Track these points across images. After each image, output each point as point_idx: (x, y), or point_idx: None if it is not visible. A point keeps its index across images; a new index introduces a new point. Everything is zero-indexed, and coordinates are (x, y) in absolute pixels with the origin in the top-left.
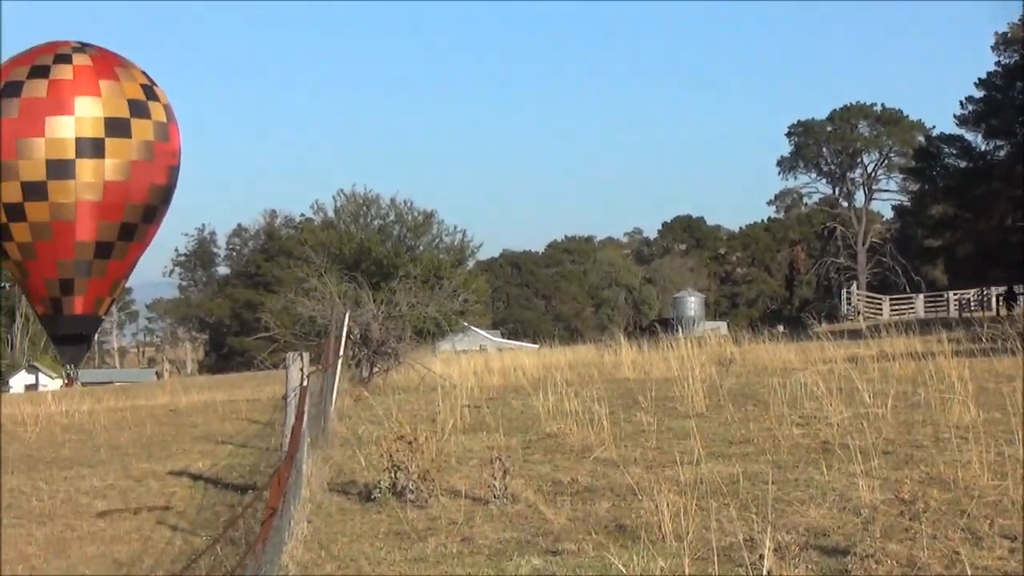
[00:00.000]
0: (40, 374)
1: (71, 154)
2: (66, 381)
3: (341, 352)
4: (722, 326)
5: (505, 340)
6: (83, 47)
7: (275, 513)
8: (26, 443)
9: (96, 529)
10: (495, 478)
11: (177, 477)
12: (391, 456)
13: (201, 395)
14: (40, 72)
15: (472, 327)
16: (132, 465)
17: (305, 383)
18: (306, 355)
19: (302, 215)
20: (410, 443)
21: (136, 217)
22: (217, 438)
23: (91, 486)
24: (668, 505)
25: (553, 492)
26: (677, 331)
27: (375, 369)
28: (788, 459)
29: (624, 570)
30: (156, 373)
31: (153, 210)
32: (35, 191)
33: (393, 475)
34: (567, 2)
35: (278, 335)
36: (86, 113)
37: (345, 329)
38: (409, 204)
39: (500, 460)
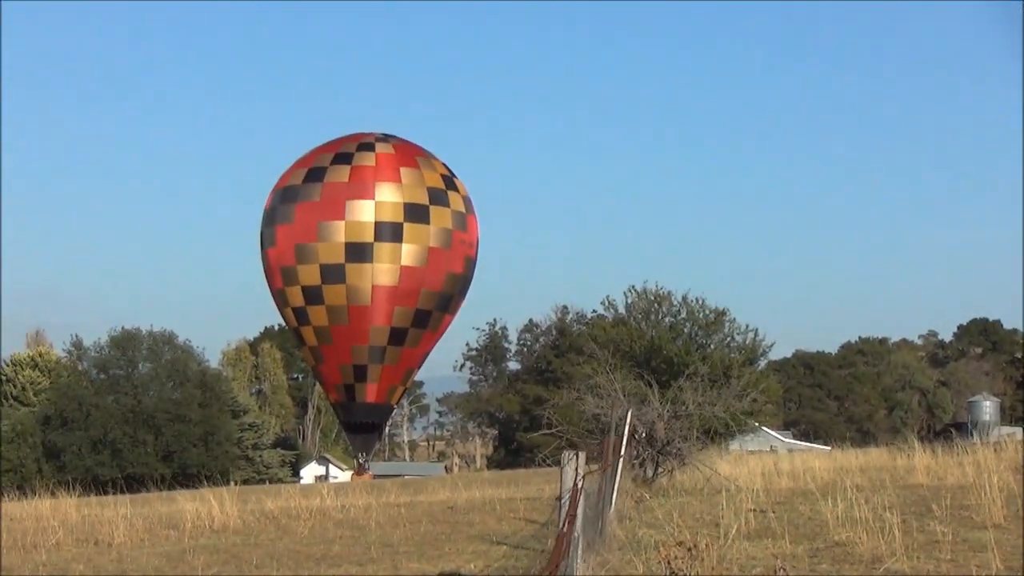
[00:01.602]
0: (330, 465)
1: (370, 237)
2: (356, 471)
3: (623, 451)
4: (1018, 432)
5: (796, 441)
6: (386, 138)
7: None
8: (297, 538)
9: None
10: None
11: None
12: (669, 563)
13: (482, 491)
14: (343, 159)
15: (763, 427)
16: (402, 564)
17: (580, 483)
18: (582, 454)
19: (593, 311)
20: (690, 549)
21: (431, 304)
22: (492, 538)
23: None
24: None
25: None
26: (972, 436)
27: (659, 469)
28: None
29: None
30: (445, 467)
31: (448, 299)
32: (333, 274)
33: None
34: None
35: (560, 432)
36: (386, 198)
37: (628, 427)
38: (701, 302)
39: (784, 570)
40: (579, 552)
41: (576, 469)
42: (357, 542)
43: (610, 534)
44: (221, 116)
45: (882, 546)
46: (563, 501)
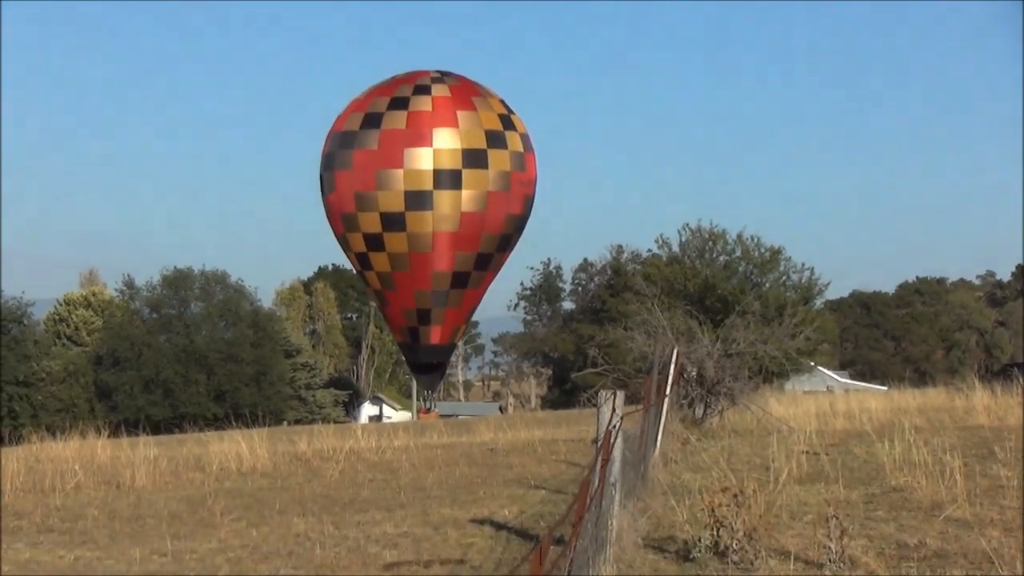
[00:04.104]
0: (384, 405)
1: (429, 185)
2: (422, 410)
3: (668, 390)
4: None
5: (852, 381)
6: (443, 77)
7: None
8: (326, 482)
9: None
10: (831, 539)
11: (479, 525)
12: (712, 510)
13: (528, 431)
14: (400, 104)
15: (819, 367)
16: (433, 510)
17: (617, 425)
18: (620, 394)
19: (648, 250)
20: (735, 496)
21: (492, 247)
22: (531, 481)
23: (383, 533)
24: None
25: (897, 556)
26: None
27: (709, 410)
28: None
29: None
30: (500, 407)
31: (508, 239)
32: (394, 222)
33: (715, 532)
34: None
35: (606, 371)
36: (444, 145)
37: (674, 366)
38: (756, 240)
39: (837, 518)
40: (617, 497)
41: (613, 409)
42: (388, 486)
43: (653, 478)
44: (270, 52)
45: (942, 491)
46: (598, 443)
